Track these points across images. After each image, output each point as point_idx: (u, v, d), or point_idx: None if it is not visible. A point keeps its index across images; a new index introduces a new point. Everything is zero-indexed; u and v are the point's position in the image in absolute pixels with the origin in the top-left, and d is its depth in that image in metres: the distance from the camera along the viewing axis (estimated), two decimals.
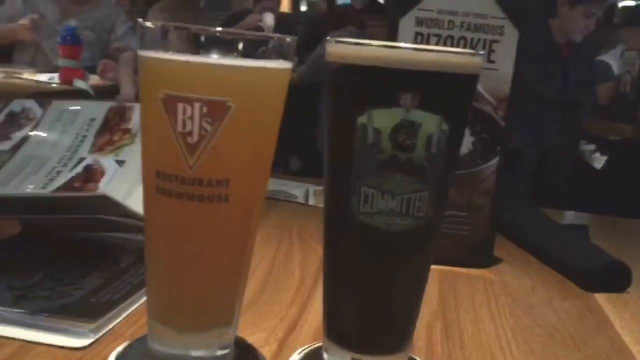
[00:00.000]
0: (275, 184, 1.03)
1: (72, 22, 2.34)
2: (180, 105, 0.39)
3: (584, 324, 0.63)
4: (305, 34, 3.91)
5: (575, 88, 2.69)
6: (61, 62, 2.26)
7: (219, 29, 0.40)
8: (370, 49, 0.40)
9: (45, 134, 0.74)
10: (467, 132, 0.71)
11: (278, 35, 0.41)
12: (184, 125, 0.39)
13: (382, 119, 0.39)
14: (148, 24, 0.40)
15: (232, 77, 0.40)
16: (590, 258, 0.73)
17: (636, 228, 1.03)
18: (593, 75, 2.90)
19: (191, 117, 0.39)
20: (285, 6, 5.74)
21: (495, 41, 0.70)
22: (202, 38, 0.40)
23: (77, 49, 2.25)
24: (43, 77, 2.39)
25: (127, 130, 0.75)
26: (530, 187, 2.40)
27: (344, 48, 0.41)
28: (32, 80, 2.37)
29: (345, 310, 0.45)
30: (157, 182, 0.41)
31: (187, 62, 0.39)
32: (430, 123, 0.40)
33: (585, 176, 2.82)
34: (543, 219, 0.88)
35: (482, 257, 0.75)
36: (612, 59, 3.29)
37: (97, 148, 0.73)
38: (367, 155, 0.40)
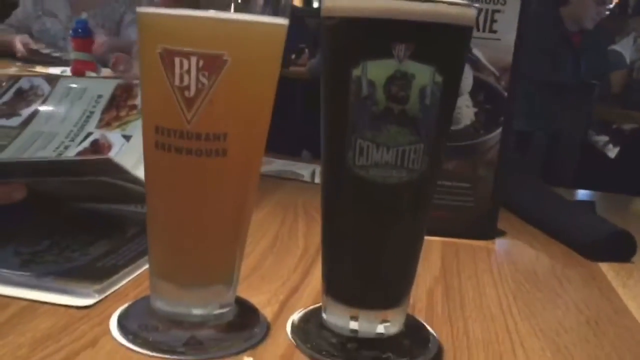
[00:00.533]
0: (282, 165, 1.04)
1: (84, 15, 2.36)
2: (177, 60, 0.40)
3: (588, 290, 0.63)
4: (317, 27, 3.92)
5: (588, 77, 2.66)
6: (73, 54, 2.28)
7: None
8: (364, 1, 0.40)
9: (53, 110, 0.75)
10: (469, 103, 0.72)
11: None
12: (182, 80, 0.40)
13: (376, 71, 0.40)
14: None
15: (228, 31, 0.40)
16: (594, 228, 0.73)
17: None
18: (605, 63, 2.87)
19: (188, 71, 0.40)
20: (296, 1, 5.75)
21: (498, 11, 0.70)
22: None
23: (89, 42, 2.26)
24: (55, 70, 2.42)
25: (134, 107, 0.76)
26: (540, 170, 2.39)
27: (339, 2, 0.41)
28: (45, 73, 2.40)
29: (342, 265, 0.45)
30: (156, 138, 0.42)
31: (184, 16, 0.40)
32: (423, 74, 0.40)
33: (596, 161, 2.80)
34: (549, 193, 0.88)
35: (485, 229, 0.75)
36: (624, 48, 3.26)
37: (104, 123, 0.75)
38: (361, 107, 0.41)
